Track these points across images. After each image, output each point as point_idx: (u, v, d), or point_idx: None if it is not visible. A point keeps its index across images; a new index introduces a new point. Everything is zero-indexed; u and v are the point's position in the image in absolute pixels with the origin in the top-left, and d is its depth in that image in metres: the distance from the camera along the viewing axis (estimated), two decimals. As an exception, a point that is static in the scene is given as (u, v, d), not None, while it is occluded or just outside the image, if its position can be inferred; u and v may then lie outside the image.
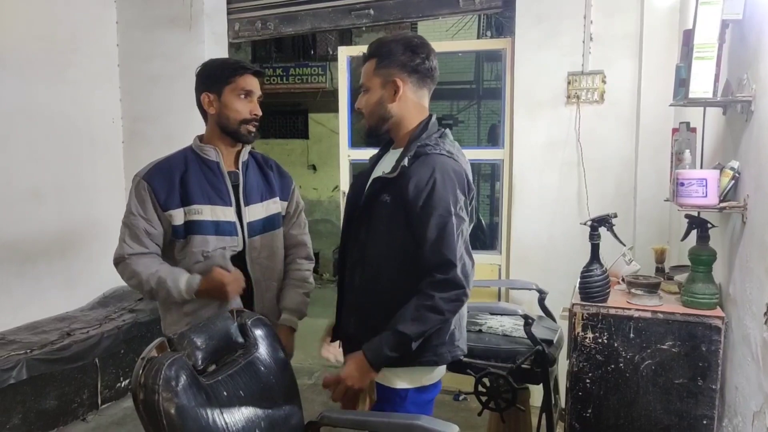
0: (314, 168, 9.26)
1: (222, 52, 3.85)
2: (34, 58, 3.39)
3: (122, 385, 3.37)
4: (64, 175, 3.57)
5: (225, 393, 1.35)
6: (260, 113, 1.84)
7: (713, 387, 1.83)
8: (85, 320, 3.39)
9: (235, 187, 1.83)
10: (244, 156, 1.89)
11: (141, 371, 1.23)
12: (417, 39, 1.62)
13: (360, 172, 1.78)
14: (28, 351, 2.89)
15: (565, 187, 3.12)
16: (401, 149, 1.59)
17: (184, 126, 3.78)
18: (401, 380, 1.58)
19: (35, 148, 3.41)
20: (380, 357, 1.48)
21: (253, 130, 1.84)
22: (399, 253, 1.54)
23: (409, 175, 1.50)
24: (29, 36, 3.37)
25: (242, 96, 1.80)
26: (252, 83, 1.82)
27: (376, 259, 1.57)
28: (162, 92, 3.81)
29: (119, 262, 1.80)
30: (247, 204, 1.83)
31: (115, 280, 3.83)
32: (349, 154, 3.66)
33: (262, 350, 1.51)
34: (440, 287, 1.46)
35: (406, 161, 1.52)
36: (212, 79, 1.81)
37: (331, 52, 7.15)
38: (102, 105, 3.84)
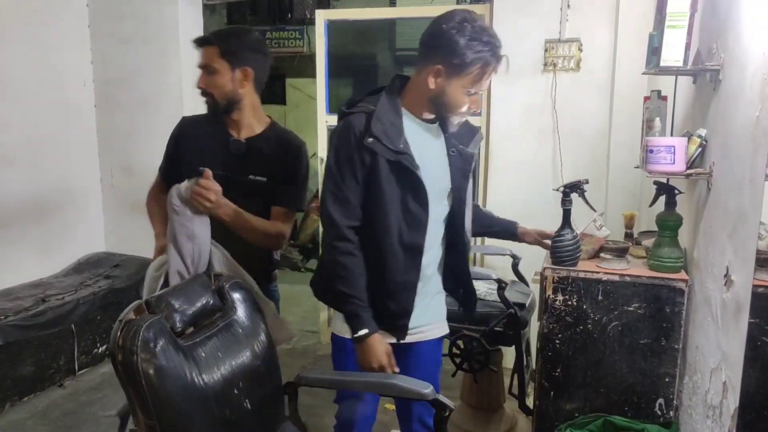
0: (292, 134, 9.14)
1: (196, 14, 3.76)
2: (0, 18, 3.28)
3: (99, 351, 3.38)
4: (35, 139, 3.50)
5: (203, 354, 1.37)
6: (203, 86, 1.84)
7: (676, 347, 1.91)
8: (60, 286, 3.37)
9: None
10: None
11: (119, 333, 1.24)
12: None
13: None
14: (2, 317, 2.87)
15: (541, 154, 3.16)
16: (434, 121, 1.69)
17: (158, 89, 3.75)
18: (346, 330, 1.68)
19: (4, 112, 3.32)
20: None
21: (210, 102, 1.86)
22: None
23: None
24: (-6, -5, 3.25)
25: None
26: (201, 56, 1.84)
27: None
28: (134, 55, 3.72)
29: None
30: None
31: (89, 246, 3.83)
32: (327, 120, 3.63)
33: (240, 313, 1.53)
34: None
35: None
36: None
37: (308, 16, 7.00)
38: (73, 67, 3.73)
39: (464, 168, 1.72)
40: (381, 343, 1.62)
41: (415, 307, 1.68)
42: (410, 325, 1.68)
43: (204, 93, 1.85)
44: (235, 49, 1.83)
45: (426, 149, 1.66)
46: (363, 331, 1.59)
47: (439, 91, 1.58)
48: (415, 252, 1.64)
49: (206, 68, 1.82)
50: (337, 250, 1.61)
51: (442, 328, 1.82)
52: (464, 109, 1.61)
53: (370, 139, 1.55)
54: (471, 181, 1.78)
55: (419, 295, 1.69)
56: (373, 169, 1.57)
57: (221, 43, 1.83)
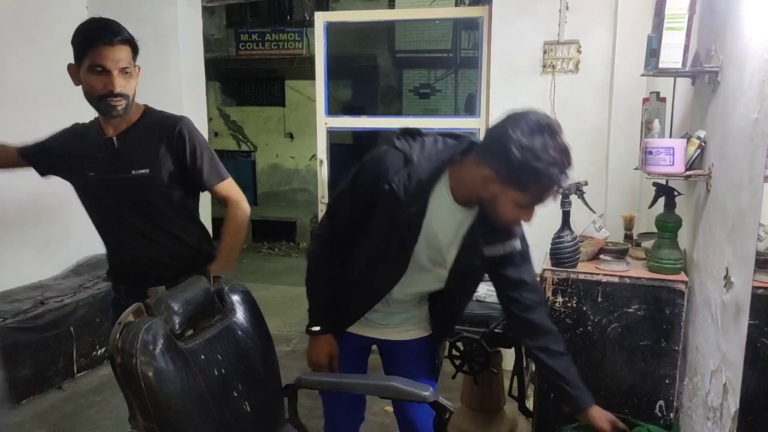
0: (291, 136, 9.16)
1: (195, 16, 3.76)
2: (0, 20, 3.28)
3: (98, 353, 3.37)
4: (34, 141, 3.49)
5: (203, 357, 1.37)
6: (121, 89, 1.68)
7: (676, 348, 1.91)
8: (59, 289, 3.37)
9: None
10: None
11: (118, 335, 1.24)
12: None
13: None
14: (1, 320, 2.87)
15: (540, 156, 3.15)
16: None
17: (157, 91, 3.73)
18: None
19: (3, 113, 3.32)
20: None
21: (123, 105, 1.71)
22: None
23: None
24: (-7, -3, 3.25)
25: (98, 71, 1.66)
26: (117, 56, 1.66)
27: None
28: (133, 57, 3.72)
29: None
30: None
31: (89, 249, 3.82)
32: (326, 122, 3.63)
33: (240, 315, 1.53)
34: None
35: None
36: (75, 47, 1.72)
37: (307, 18, 7.02)
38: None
39: (473, 260, 1.54)
40: (327, 344, 1.67)
41: (381, 315, 1.69)
42: (383, 322, 1.70)
43: (117, 96, 1.68)
44: (137, 46, 1.74)
45: (443, 220, 1.51)
46: (316, 328, 1.67)
47: (490, 197, 1.39)
48: (376, 294, 1.64)
49: (124, 70, 1.68)
50: (317, 254, 1.67)
51: (422, 331, 1.75)
52: (513, 221, 1.46)
53: (386, 187, 1.45)
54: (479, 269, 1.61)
55: (380, 311, 1.69)
56: (374, 208, 1.51)
57: (132, 40, 1.72)
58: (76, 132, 1.89)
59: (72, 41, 1.73)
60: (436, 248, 1.54)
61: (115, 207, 1.80)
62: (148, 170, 1.75)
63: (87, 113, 1.85)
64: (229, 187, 1.86)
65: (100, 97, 1.68)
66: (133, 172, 1.75)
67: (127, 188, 1.76)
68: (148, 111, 1.83)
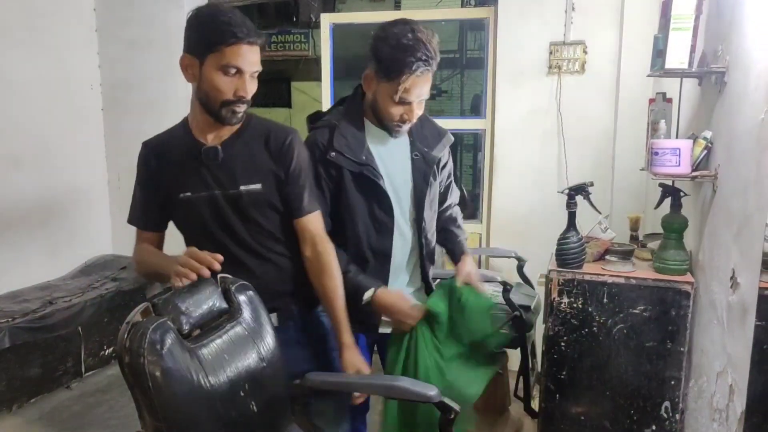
0: (297, 137, 9.15)
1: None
2: (9, 23, 3.31)
3: (106, 353, 3.39)
4: (43, 142, 3.52)
5: (209, 356, 1.38)
6: (247, 95, 1.47)
7: (681, 349, 1.90)
8: (68, 289, 3.39)
9: None
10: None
11: (126, 335, 1.24)
12: None
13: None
14: (10, 320, 2.89)
15: (546, 156, 3.16)
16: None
17: (165, 93, 3.77)
18: None
19: (13, 115, 3.34)
20: None
21: (243, 111, 1.50)
22: None
23: None
24: (4, 0, 3.27)
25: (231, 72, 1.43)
26: (252, 57, 1.45)
27: None
28: (141, 58, 3.74)
29: None
30: None
31: (97, 249, 3.85)
32: (331, 123, 3.64)
33: (246, 315, 1.53)
34: None
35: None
36: (196, 40, 1.47)
37: (314, 19, 7.03)
38: (80, 71, 3.76)
39: (425, 171, 1.74)
40: (390, 295, 1.66)
41: None
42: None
43: (245, 102, 1.48)
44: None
45: (389, 156, 1.71)
46: (368, 293, 1.64)
47: (373, 98, 1.64)
48: (384, 257, 1.71)
49: (254, 73, 1.47)
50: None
51: None
52: (396, 116, 1.63)
53: (333, 153, 1.63)
54: (436, 183, 1.79)
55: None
56: (340, 181, 1.65)
57: (261, 39, 1.47)
58: (155, 155, 1.58)
59: (193, 29, 1.49)
60: (398, 182, 1.71)
61: (216, 227, 1.54)
62: (260, 185, 1.52)
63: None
64: (319, 219, 1.60)
65: (225, 102, 1.45)
66: (242, 187, 1.51)
67: (235, 206, 1.52)
68: (252, 117, 1.58)
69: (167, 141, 1.60)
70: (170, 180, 1.55)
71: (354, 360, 1.57)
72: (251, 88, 1.47)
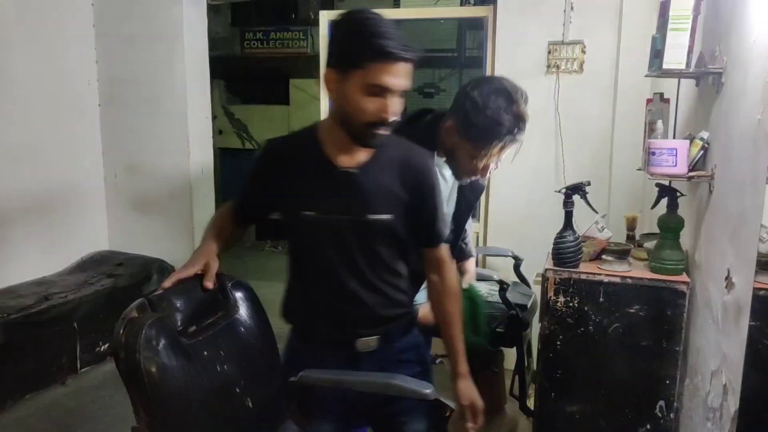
0: (295, 135, 9.11)
1: (200, 14, 3.77)
2: (6, 18, 3.30)
3: (101, 349, 3.38)
4: (39, 138, 3.51)
5: (205, 353, 1.38)
6: (391, 116, 1.33)
7: (677, 349, 1.91)
8: (63, 284, 3.38)
9: None
10: None
11: (122, 331, 1.24)
12: None
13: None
14: (5, 315, 2.88)
15: (543, 156, 3.16)
16: None
17: (162, 89, 3.76)
18: None
19: (9, 110, 3.34)
20: None
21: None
22: None
23: None
24: (0, -6, 3.27)
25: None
26: (403, 76, 1.30)
27: None
28: (139, 54, 3.73)
29: None
30: None
31: (93, 245, 3.84)
32: (329, 121, 3.63)
33: (243, 312, 1.53)
34: None
35: None
36: (343, 53, 1.32)
37: (312, 16, 7.01)
38: (77, 67, 3.75)
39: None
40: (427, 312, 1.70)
41: None
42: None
43: (384, 124, 1.33)
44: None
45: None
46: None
47: (450, 147, 1.72)
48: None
49: (402, 92, 1.33)
50: None
51: None
52: (469, 172, 1.75)
53: None
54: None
55: None
56: None
57: (416, 56, 1.31)
58: (279, 156, 1.49)
59: (337, 40, 1.35)
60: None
61: (332, 252, 1.45)
62: (391, 216, 1.42)
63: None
64: (446, 245, 1.57)
65: (369, 124, 1.32)
66: (370, 216, 1.41)
67: (359, 234, 1.43)
68: (389, 139, 1.40)
69: (295, 149, 1.48)
70: (293, 193, 1.45)
71: (469, 391, 1.56)
72: (398, 108, 1.34)
